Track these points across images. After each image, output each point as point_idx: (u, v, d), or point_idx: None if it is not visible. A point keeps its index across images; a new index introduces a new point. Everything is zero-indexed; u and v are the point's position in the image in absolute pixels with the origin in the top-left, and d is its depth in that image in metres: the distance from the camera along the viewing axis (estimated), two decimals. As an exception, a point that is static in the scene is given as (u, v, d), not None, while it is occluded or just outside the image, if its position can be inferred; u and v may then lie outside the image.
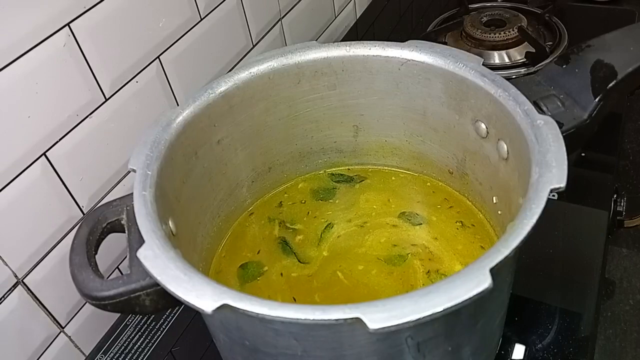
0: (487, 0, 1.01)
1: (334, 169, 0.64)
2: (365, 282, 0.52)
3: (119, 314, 0.61)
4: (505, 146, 0.48)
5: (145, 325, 0.60)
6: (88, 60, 0.54)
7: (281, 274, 0.55)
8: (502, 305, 0.47)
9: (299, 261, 0.55)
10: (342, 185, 0.62)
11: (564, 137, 0.41)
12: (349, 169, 0.64)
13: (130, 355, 0.57)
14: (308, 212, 0.60)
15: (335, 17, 0.99)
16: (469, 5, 0.97)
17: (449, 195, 0.59)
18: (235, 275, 0.55)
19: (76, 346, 0.59)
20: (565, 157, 0.40)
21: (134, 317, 0.61)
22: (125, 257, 0.43)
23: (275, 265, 0.55)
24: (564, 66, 0.67)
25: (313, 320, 0.32)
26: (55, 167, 0.53)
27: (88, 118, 0.55)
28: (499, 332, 0.51)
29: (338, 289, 0.52)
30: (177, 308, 0.61)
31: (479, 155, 0.53)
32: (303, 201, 0.61)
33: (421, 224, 0.57)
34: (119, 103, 0.58)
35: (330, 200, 0.61)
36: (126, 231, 0.45)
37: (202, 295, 0.34)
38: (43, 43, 0.49)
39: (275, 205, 0.61)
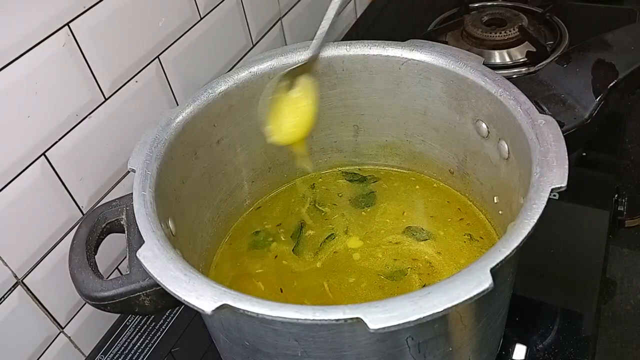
0: (488, -1, 1.01)
1: (345, 168, 0.64)
2: (353, 295, 0.52)
3: (118, 315, 0.61)
4: (506, 146, 0.48)
5: (145, 326, 0.60)
6: (88, 60, 0.54)
7: (276, 257, 0.56)
8: (503, 305, 0.46)
9: (293, 250, 0.56)
10: (375, 187, 0.62)
11: (565, 136, 0.41)
12: (359, 169, 0.64)
13: (130, 355, 0.57)
14: (339, 202, 0.61)
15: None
16: (470, 5, 0.97)
17: (462, 205, 0.58)
18: (247, 242, 0.58)
19: (76, 347, 0.59)
20: (566, 156, 0.40)
21: (134, 318, 0.61)
22: (125, 257, 0.43)
23: (280, 243, 0.57)
24: (565, 65, 0.67)
25: (313, 320, 0.32)
26: (55, 167, 0.53)
27: (88, 118, 0.55)
28: (500, 332, 0.51)
29: (321, 295, 0.52)
30: (177, 308, 0.61)
31: (479, 155, 0.53)
32: (340, 194, 0.62)
33: (427, 239, 0.56)
34: (118, 103, 0.58)
35: (368, 208, 0.60)
36: (126, 231, 0.45)
37: (202, 295, 0.34)
38: (43, 43, 0.49)
39: (308, 186, 0.63)
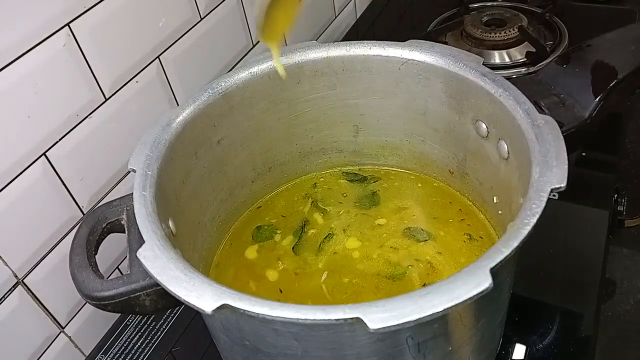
0: (488, -1, 1.01)
1: (345, 168, 0.64)
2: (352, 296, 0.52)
3: (119, 314, 0.61)
4: (505, 146, 0.48)
5: (145, 326, 0.60)
6: (88, 60, 0.54)
7: (277, 258, 0.56)
8: (503, 305, 0.47)
9: (293, 248, 0.56)
10: (377, 188, 0.62)
11: (564, 136, 0.41)
12: (359, 169, 0.64)
13: (130, 355, 0.57)
14: (340, 202, 0.61)
15: (336, 17, 0.99)
16: (469, 5, 0.97)
17: (463, 205, 0.58)
18: (250, 235, 0.59)
19: (76, 346, 0.59)
20: (566, 156, 0.40)
21: (134, 317, 0.61)
22: (125, 257, 0.43)
23: (281, 239, 0.58)
24: (565, 66, 0.67)
25: (313, 320, 0.32)
26: (55, 167, 0.53)
27: (88, 118, 0.55)
28: (499, 332, 0.51)
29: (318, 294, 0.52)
30: (177, 308, 0.61)
31: (479, 155, 0.53)
32: (342, 194, 0.62)
33: (427, 240, 0.56)
34: (119, 103, 0.58)
35: (369, 209, 0.60)
36: (126, 231, 0.45)
37: (202, 295, 0.34)
38: (43, 43, 0.49)
39: (310, 185, 0.63)
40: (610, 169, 0.71)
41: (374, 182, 0.62)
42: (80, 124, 0.54)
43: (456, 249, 0.54)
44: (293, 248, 0.57)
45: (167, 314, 0.61)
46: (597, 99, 0.63)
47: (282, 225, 0.59)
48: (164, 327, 0.60)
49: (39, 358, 0.55)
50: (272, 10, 0.44)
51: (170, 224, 0.44)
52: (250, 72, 0.53)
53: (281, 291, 0.53)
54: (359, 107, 0.59)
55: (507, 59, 0.85)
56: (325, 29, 0.97)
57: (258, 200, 0.62)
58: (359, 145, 0.62)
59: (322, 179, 0.64)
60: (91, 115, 0.55)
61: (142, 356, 0.57)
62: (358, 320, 0.31)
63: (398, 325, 0.31)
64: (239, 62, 0.76)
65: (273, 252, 0.57)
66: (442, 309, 0.31)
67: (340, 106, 0.58)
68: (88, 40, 0.53)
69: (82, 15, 0.52)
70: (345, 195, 0.62)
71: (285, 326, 0.36)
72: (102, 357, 0.58)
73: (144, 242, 0.38)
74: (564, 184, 0.38)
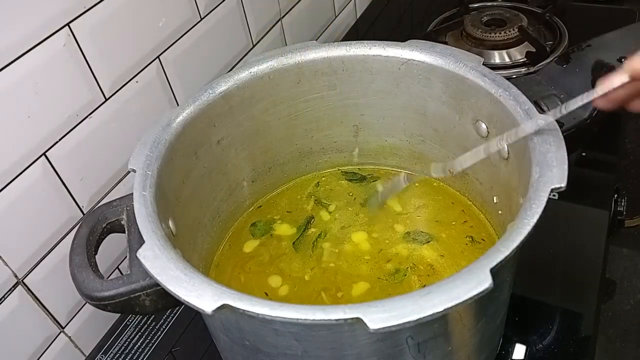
0: (488, -1, 1.01)
1: (345, 168, 0.64)
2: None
3: (119, 314, 0.61)
4: (505, 146, 0.48)
5: (145, 325, 0.60)
6: (88, 60, 0.54)
7: (278, 258, 0.56)
8: (503, 305, 0.47)
9: (293, 245, 0.57)
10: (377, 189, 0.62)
11: (564, 136, 0.41)
12: (359, 169, 0.64)
13: (130, 355, 0.57)
14: (343, 201, 0.61)
15: (336, 17, 0.99)
16: (469, 5, 0.97)
17: (465, 206, 0.58)
18: (249, 231, 0.59)
19: (76, 346, 0.59)
20: (566, 156, 0.40)
21: (134, 317, 0.61)
22: (126, 257, 0.43)
23: (281, 235, 0.58)
24: (565, 66, 0.67)
25: (313, 320, 0.32)
26: (55, 167, 0.53)
27: (88, 118, 0.55)
28: (499, 332, 0.51)
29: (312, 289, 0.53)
30: (177, 308, 0.61)
31: (479, 155, 0.53)
32: (341, 194, 0.62)
33: (429, 241, 0.56)
34: (119, 103, 0.58)
35: (377, 208, 0.60)
36: (126, 231, 0.45)
37: (202, 295, 0.34)
38: (43, 43, 0.49)
39: (313, 184, 0.64)
40: (610, 169, 0.71)
41: (373, 181, 0.62)
42: (80, 124, 0.54)
43: (458, 252, 0.54)
44: (293, 244, 0.57)
45: (167, 314, 0.61)
46: (597, 99, 0.63)
47: (287, 220, 0.59)
48: (164, 327, 0.60)
49: (39, 358, 0.55)
50: None
51: (170, 224, 0.44)
52: (250, 72, 0.53)
53: (266, 294, 0.53)
54: (359, 107, 0.59)
55: (507, 59, 0.85)
56: (325, 29, 0.97)
57: (258, 200, 0.62)
58: (359, 145, 0.62)
59: (323, 179, 0.64)
60: (91, 115, 0.55)
61: (142, 356, 0.57)
62: (358, 320, 0.31)
63: (398, 325, 0.31)
64: (239, 62, 0.76)
65: (271, 248, 0.57)
66: (442, 309, 0.31)
67: (340, 106, 0.58)
68: (88, 40, 0.53)
69: (82, 15, 0.52)
70: (348, 194, 0.62)
71: (285, 326, 0.36)
72: (102, 357, 0.58)
73: (144, 242, 0.38)
74: (564, 184, 0.38)
